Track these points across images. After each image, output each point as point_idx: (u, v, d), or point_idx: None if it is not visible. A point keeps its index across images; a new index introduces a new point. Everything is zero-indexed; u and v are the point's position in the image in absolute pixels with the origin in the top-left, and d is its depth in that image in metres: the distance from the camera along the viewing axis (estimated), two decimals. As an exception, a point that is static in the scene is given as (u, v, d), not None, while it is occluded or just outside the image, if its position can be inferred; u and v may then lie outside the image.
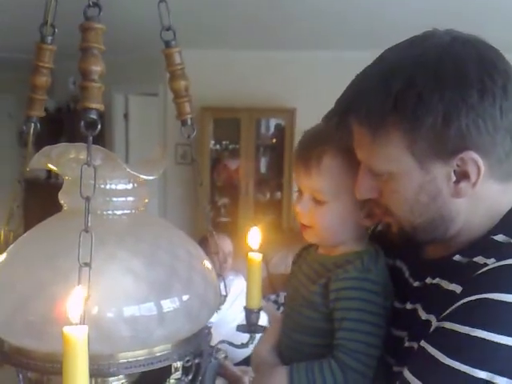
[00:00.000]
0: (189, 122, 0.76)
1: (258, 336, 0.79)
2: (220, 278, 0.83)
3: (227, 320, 2.20)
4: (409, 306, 0.77)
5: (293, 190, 4.65)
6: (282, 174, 4.68)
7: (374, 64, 0.72)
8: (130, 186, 0.66)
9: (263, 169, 4.94)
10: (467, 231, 0.73)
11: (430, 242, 0.76)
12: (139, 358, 0.61)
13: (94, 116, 0.59)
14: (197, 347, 0.67)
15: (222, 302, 0.79)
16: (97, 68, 0.60)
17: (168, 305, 0.62)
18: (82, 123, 0.58)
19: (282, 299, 3.67)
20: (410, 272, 0.82)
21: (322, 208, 0.81)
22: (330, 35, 3.98)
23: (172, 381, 0.68)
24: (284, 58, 4.54)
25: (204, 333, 0.70)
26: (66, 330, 0.47)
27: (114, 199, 0.65)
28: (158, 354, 0.62)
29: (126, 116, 5.18)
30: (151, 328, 0.61)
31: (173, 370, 0.68)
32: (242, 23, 3.66)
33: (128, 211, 0.66)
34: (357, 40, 4.10)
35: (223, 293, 0.82)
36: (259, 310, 0.77)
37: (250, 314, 0.76)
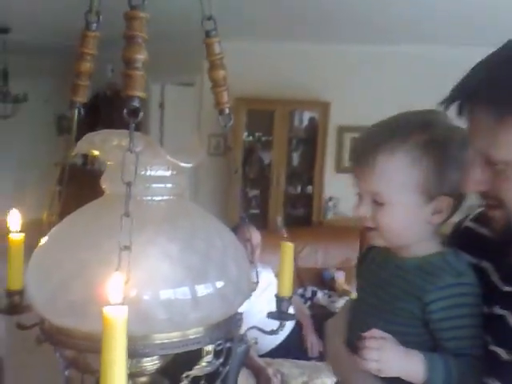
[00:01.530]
0: (226, 111, 0.76)
1: (287, 324, 0.80)
2: (252, 265, 0.84)
3: (253, 312, 2.22)
4: (498, 310, 0.75)
5: (324, 184, 4.63)
6: (313, 168, 4.67)
7: (501, 51, 0.70)
8: (168, 173, 0.67)
9: (295, 162, 4.95)
10: None
11: None
12: (173, 340, 0.63)
13: (136, 104, 0.60)
14: (228, 331, 0.69)
15: (254, 289, 0.80)
16: (141, 56, 0.61)
17: (202, 290, 0.64)
18: (125, 111, 0.60)
19: (308, 293, 3.68)
20: (501, 275, 0.79)
21: (384, 209, 0.79)
22: (367, 29, 3.93)
23: (203, 363, 0.69)
24: (320, 51, 4.52)
25: (236, 318, 0.71)
26: (106, 310, 0.48)
27: (154, 185, 0.67)
28: (192, 337, 0.64)
29: (161, 105, 5.24)
30: (185, 311, 0.63)
31: (204, 353, 0.69)
32: (280, 15, 3.65)
33: (166, 197, 0.68)
34: (394, 35, 4.04)
35: (254, 280, 0.82)
36: (290, 298, 0.78)
37: (281, 301, 0.77)
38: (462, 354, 0.75)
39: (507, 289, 0.75)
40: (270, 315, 0.77)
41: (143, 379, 0.69)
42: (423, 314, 0.77)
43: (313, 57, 4.52)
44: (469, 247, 0.83)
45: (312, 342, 2.76)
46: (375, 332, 0.76)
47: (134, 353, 0.62)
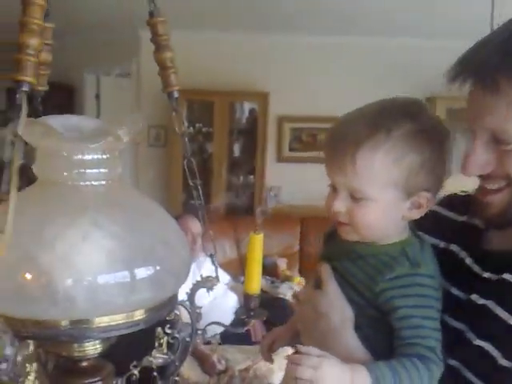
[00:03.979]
0: (175, 94, 0.74)
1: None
2: (193, 254, 0.84)
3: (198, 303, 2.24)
4: (477, 298, 0.74)
5: (266, 174, 4.68)
6: (254, 158, 4.71)
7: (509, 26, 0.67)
8: (102, 157, 0.67)
9: (236, 152, 4.97)
10: None
11: None
12: (112, 323, 0.63)
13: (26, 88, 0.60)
14: (167, 314, 0.70)
15: (215, 284, 0.79)
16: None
17: (143, 272, 0.64)
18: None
19: (252, 281, 3.72)
20: (475, 259, 0.78)
21: (362, 205, 0.75)
22: (305, 19, 3.99)
23: (156, 355, 0.70)
24: (259, 41, 4.55)
25: (173, 302, 0.72)
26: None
27: (88, 171, 0.67)
28: (131, 320, 0.65)
29: (97, 97, 5.12)
30: (125, 295, 0.63)
31: (157, 344, 0.70)
32: (217, 4, 3.64)
33: (103, 182, 0.68)
34: (331, 25, 4.12)
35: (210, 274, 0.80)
36: (258, 295, 0.75)
37: (249, 299, 0.74)
38: (415, 344, 0.72)
39: (487, 275, 0.74)
40: (237, 312, 0.75)
41: (85, 363, 0.69)
42: (377, 305, 0.76)
43: (251, 47, 4.54)
44: (436, 230, 0.82)
45: (255, 326, 2.81)
46: (312, 350, 0.71)
47: (75, 337, 0.63)
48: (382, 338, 0.77)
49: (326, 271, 0.82)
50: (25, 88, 0.58)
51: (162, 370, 0.73)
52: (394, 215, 0.77)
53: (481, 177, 0.73)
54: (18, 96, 0.58)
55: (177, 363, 0.73)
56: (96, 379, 0.70)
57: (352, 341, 0.77)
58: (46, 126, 0.61)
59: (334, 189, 0.78)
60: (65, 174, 0.66)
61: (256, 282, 0.73)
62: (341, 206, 0.76)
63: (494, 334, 0.71)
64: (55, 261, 0.54)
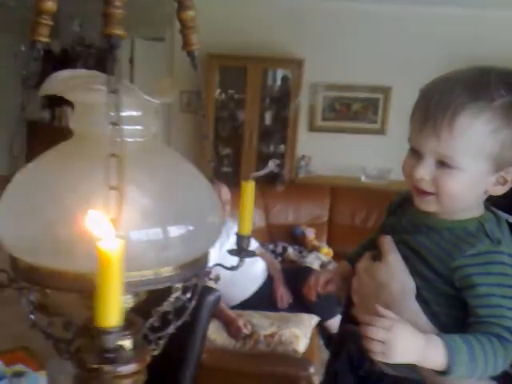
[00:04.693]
0: (195, 52, 0.75)
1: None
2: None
3: (226, 265, 2.26)
4: None
5: (297, 143, 4.64)
6: (286, 127, 4.68)
7: None
8: (138, 114, 0.67)
9: (268, 121, 4.93)
10: None
11: None
12: (146, 278, 0.64)
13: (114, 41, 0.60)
14: (198, 271, 0.71)
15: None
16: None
17: (175, 230, 0.65)
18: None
19: (279, 249, 3.75)
20: None
21: (451, 174, 0.73)
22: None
23: (171, 299, 0.72)
24: (294, 7, 4.45)
25: (204, 261, 0.73)
26: (102, 244, 0.48)
27: (124, 127, 0.67)
28: (164, 275, 0.65)
29: (131, 61, 5.13)
30: (157, 251, 0.64)
31: (173, 290, 0.72)
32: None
33: (139, 139, 0.68)
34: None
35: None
36: (250, 236, 0.80)
37: (241, 239, 0.79)
38: (492, 323, 0.71)
39: None
40: (231, 252, 0.79)
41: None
42: (451, 280, 0.75)
43: (287, 12, 4.46)
44: (505, 203, 0.80)
45: (282, 294, 2.84)
46: (388, 312, 0.71)
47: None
48: (449, 315, 0.76)
49: (387, 243, 0.81)
50: (117, 42, 0.58)
51: (177, 312, 0.74)
52: (478, 188, 0.75)
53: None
54: (112, 51, 0.58)
55: (187, 305, 0.75)
56: (127, 333, 0.72)
57: (415, 311, 0.76)
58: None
59: (417, 155, 0.75)
60: (102, 130, 0.66)
61: (248, 225, 0.79)
62: (426, 173, 0.74)
63: None
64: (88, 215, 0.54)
